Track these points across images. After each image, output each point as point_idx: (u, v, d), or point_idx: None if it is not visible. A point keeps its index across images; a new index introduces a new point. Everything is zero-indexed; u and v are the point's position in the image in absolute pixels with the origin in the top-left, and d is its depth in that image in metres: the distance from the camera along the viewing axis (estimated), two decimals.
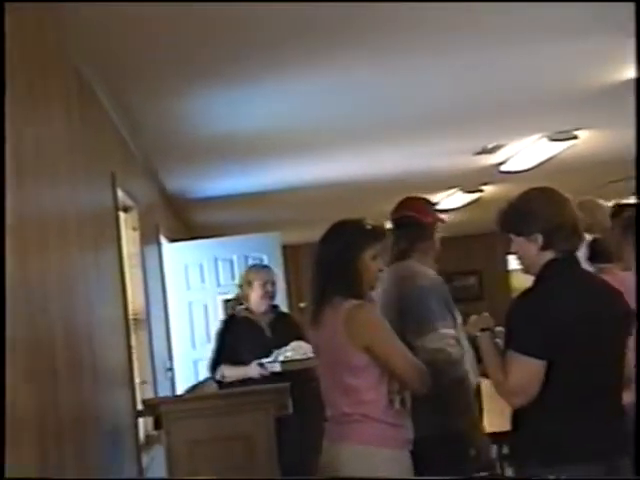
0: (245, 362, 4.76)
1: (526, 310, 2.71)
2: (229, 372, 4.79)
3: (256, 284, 4.95)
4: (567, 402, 2.69)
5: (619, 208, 3.53)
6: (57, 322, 2.87)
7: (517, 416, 2.77)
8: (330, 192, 8.30)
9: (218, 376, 4.85)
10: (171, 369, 6.36)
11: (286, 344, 4.76)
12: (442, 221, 3.64)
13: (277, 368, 4.64)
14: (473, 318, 2.94)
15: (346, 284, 3.05)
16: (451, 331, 3.34)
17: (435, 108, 5.50)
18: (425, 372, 3.03)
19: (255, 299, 4.97)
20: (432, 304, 3.35)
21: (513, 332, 2.72)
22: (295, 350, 4.71)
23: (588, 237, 3.20)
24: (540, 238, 2.75)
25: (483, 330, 2.84)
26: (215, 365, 4.90)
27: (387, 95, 5.11)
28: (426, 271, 3.47)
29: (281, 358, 4.70)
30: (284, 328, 4.99)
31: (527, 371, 2.65)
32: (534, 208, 2.79)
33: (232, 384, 4.71)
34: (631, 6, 3.53)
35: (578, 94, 5.31)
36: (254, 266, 5.42)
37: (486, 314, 2.92)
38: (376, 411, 2.99)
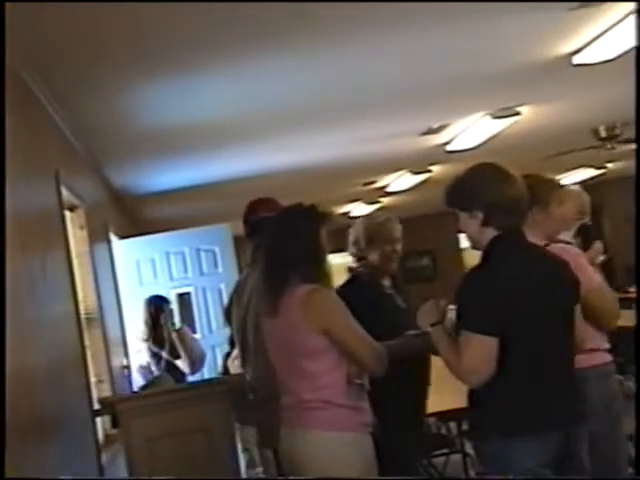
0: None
1: (473, 288, 2.72)
2: None
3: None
4: (522, 375, 2.71)
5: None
6: (6, 325, 2.82)
7: (474, 392, 2.77)
8: (277, 180, 8.27)
9: None
10: (127, 367, 6.29)
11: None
12: None
13: None
14: (420, 313, 2.88)
15: (300, 269, 3.04)
16: None
17: (378, 91, 5.50)
18: (384, 355, 3.03)
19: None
20: None
21: (463, 311, 2.72)
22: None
23: None
24: (480, 214, 2.77)
25: (433, 325, 2.81)
26: None
27: (328, 80, 5.09)
28: None
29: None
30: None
31: (481, 349, 2.65)
32: (474, 184, 2.80)
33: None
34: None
35: (518, 71, 5.35)
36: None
37: (432, 302, 2.86)
38: (336, 395, 2.99)
